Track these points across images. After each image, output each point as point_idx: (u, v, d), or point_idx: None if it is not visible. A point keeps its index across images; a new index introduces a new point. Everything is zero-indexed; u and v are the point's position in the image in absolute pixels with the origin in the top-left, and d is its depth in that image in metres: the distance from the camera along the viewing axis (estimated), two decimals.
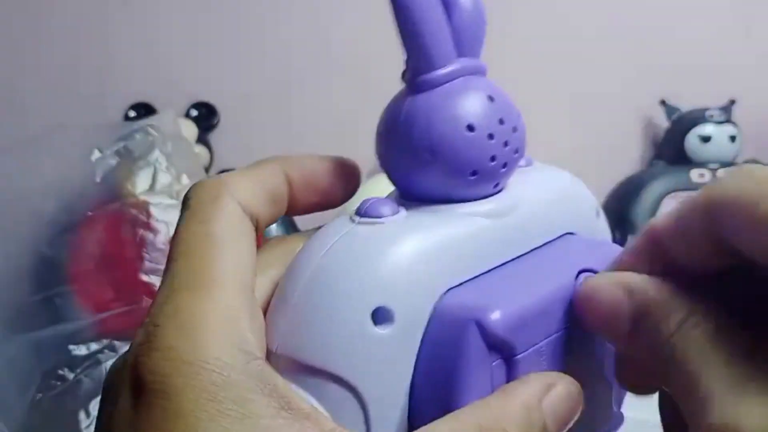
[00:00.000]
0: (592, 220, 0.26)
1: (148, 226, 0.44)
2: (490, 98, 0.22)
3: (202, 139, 0.74)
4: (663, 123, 0.75)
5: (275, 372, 0.18)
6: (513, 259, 0.22)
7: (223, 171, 0.76)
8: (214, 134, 0.77)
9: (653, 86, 0.76)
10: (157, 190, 0.45)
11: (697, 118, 0.71)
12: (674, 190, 0.68)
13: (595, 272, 0.22)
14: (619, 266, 0.21)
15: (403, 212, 0.21)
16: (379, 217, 0.21)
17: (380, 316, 0.19)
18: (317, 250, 0.20)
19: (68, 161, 0.44)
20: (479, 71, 0.22)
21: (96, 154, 0.45)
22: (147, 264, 0.43)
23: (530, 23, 0.77)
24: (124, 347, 0.42)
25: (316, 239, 0.21)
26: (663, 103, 0.74)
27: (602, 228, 0.26)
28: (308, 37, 0.77)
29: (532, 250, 0.23)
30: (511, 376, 0.20)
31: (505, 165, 0.22)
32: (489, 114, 0.21)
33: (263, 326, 0.20)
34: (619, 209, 0.69)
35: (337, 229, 0.21)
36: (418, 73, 0.21)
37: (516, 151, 0.22)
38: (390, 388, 0.20)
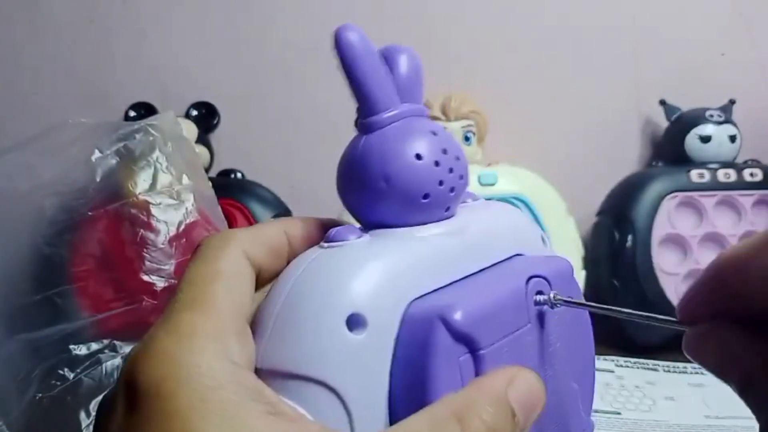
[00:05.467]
0: (539, 247, 0.29)
1: (148, 226, 0.44)
2: (433, 133, 0.25)
3: (202, 139, 0.75)
4: (663, 123, 0.75)
5: (261, 382, 0.20)
6: (469, 275, 0.25)
7: (223, 171, 0.77)
8: (214, 134, 0.77)
9: (653, 86, 0.76)
10: (158, 190, 0.45)
11: (697, 118, 0.71)
12: (674, 190, 0.68)
13: (544, 278, 0.25)
14: (687, 303, 0.22)
15: (366, 236, 0.24)
16: (345, 241, 0.23)
17: (354, 322, 0.21)
18: (292, 273, 0.23)
19: (68, 161, 0.44)
20: (421, 113, 0.26)
21: (96, 154, 0.44)
22: (147, 264, 0.43)
23: (530, 23, 0.77)
24: (124, 347, 0.42)
25: (291, 265, 0.23)
26: (663, 103, 0.74)
27: (548, 253, 0.29)
28: (308, 37, 0.77)
29: (485, 268, 0.26)
30: (478, 370, 0.22)
31: (452, 189, 0.25)
32: (433, 145, 0.24)
33: (253, 350, 0.21)
34: (619, 209, 0.69)
35: (308, 255, 0.23)
36: (368, 116, 0.24)
37: (461, 177, 0.25)
38: (369, 389, 0.21)
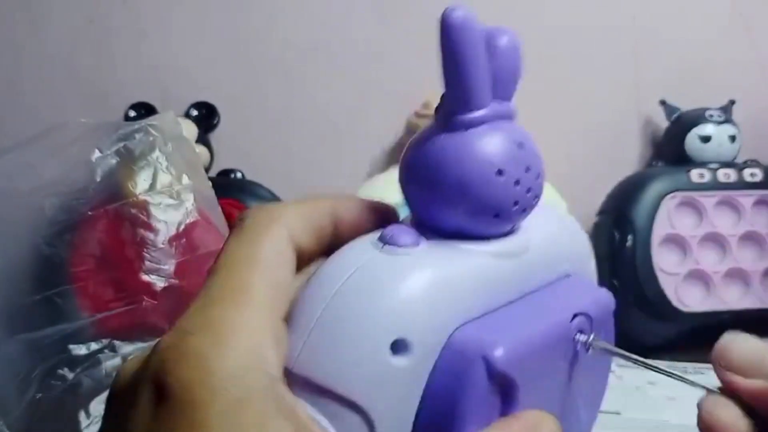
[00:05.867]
0: (586, 261, 0.28)
1: (148, 226, 0.44)
2: (520, 145, 0.23)
3: (202, 139, 0.74)
4: (663, 123, 0.75)
5: (293, 395, 0.19)
6: (518, 299, 0.23)
7: (223, 171, 0.76)
8: (214, 134, 0.77)
9: (653, 86, 0.76)
10: (158, 190, 0.45)
11: (697, 118, 0.71)
12: (674, 190, 0.68)
13: (587, 315, 0.24)
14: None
15: (424, 243, 0.22)
16: (402, 246, 0.21)
17: (399, 347, 0.20)
18: (339, 273, 0.21)
19: (68, 161, 0.44)
20: (510, 115, 0.23)
21: (96, 154, 0.44)
22: (147, 264, 0.43)
23: (530, 23, 0.77)
24: (124, 347, 0.42)
25: (338, 261, 0.22)
26: (663, 103, 0.74)
27: (592, 269, 0.29)
28: (308, 37, 0.77)
29: (534, 291, 0.24)
30: (506, 408, 0.21)
31: (524, 210, 0.23)
32: (518, 161, 0.22)
33: (286, 351, 0.20)
34: (619, 209, 0.69)
35: (359, 254, 0.22)
36: (455, 112, 0.22)
37: (536, 197, 0.23)
38: (400, 416, 0.20)
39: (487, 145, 0.22)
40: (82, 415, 0.40)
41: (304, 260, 0.23)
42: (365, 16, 0.77)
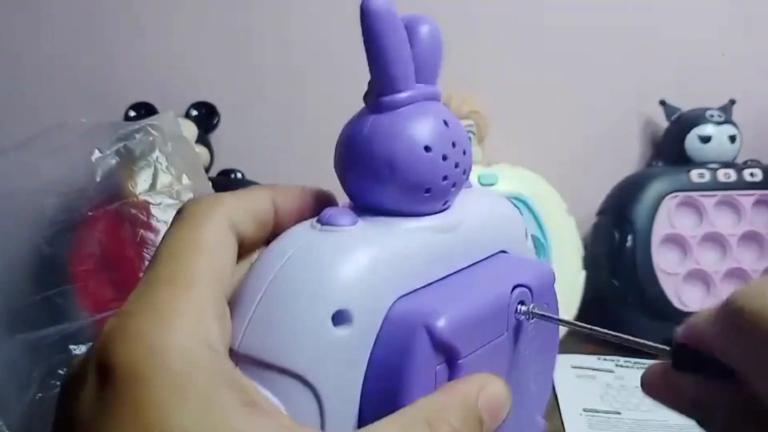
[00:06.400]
0: (522, 242, 0.29)
1: (148, 226, 0.44)
2: (445, 123, 0.24)
3: (202, 139, 0.74)
4: (663, 123, 0.75)
5: (238, 370, 0.19)
6: (455, 272, 0.24)
7: (223, 171, 0.76)
8: (214, 134, 0.77)
9: (653, 86, 0.76)
10: (158, 190, 0.45)
11: (697, 118, 0.71)
12: (674, 190, 0.68)
13: (528, 287, 0.25)
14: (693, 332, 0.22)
15: (360, 222, 0.23)
16: (339, 225, 0.22)
17: (340, 318, 0.21)
18: (279, 255, 0.22)
19: (68, 161, 0.44)
20: (435, 97, 0.24)
21: (96, 154, 0.44)
22: (147, 264, 0.43)
23: (530, 23, 0.76)
24: None
25: (278, 244, 0.22)
26: (663, 103, 0.74)
27: (530, 248, 0.29)
28: (309, 37, 0.77)
29: (471, 264, 0.25)
30: (452, 376, 0.22)
31: (454, 184, 0.24)
32: (444, 137, 0.23)
33: (230, 330, 0.21)
34: (619, 209, 0.69)
35: (299, 234, 0.22)
36: (381, 94, 0.23)
37: (464, 172, 0.24)
38: (345, 386, 0.21)
39: (414, 122, 0.23)
40: None
41: (246, 249, 0.23)
42: None
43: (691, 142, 0.71)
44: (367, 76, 0.24)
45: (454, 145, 0.24)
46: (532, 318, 0.25)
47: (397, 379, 0.21)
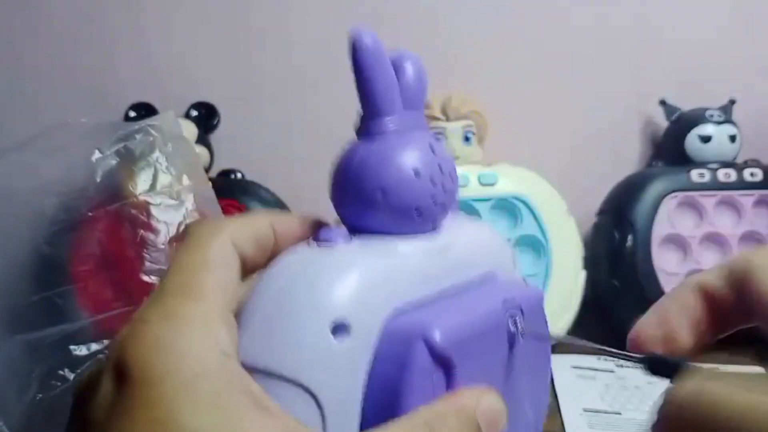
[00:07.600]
0: (511, 269, 0.30)
1: (148, 226, 0.44)
2: (431, 148, 0.25)
3: (202, 139, 0.74)
4: (663, 123, 0.75)
5: (248, 374, 0.20)
6: (449, 288, 0.26)
7: (223, 171, 0.77)
8: (214, 134, 0.77)
9: (653, 86, 0.76)
10: (158, 191, 0.45)
11: (697, 118, 0.71)
12: (674, 190, 0.68)
13: (519, 307, 0.26)
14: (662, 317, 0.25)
15: (356, 240, 0.24)
16: (335, 242, 0.24)
17: (339, 328, 0.22)
18: (281, 269, 0.23)
19: (68, 161, 0.44)
20: (422, 125, 0.26)
21: (96, 154, 0.44)
22: (147, 264, 0.43)
23: (530, 23, 0.77)
24: None
25: (277, 263, 0.23)
26: (663, 103, 0.74)
27: (518, 272, 0.31)
28: (309, 38, 0.77)
29: (464, 282, 0.26)
30: (449, 387, 0.23)
31: (443, 206, 0.26)
32: (431, 162, 0.25)
33: (237, 341, 0.22)
34: (619, 209, 0.69)
35: (297, 252, 0.24)
36: (370, 122, 0.25)
37: (452, 194, 0.26)
38: (345, 395, 0.22)
39: (403, 148, 0.25)
40: None
41: (247, 270, 0.25)
42: (365, 16, 0.77)
43: (691, 141, 0.71)
44: None
45: (440, 168, 0.25)
46: (524, 335, 0.26)
47: (396, 390, 0.22)
